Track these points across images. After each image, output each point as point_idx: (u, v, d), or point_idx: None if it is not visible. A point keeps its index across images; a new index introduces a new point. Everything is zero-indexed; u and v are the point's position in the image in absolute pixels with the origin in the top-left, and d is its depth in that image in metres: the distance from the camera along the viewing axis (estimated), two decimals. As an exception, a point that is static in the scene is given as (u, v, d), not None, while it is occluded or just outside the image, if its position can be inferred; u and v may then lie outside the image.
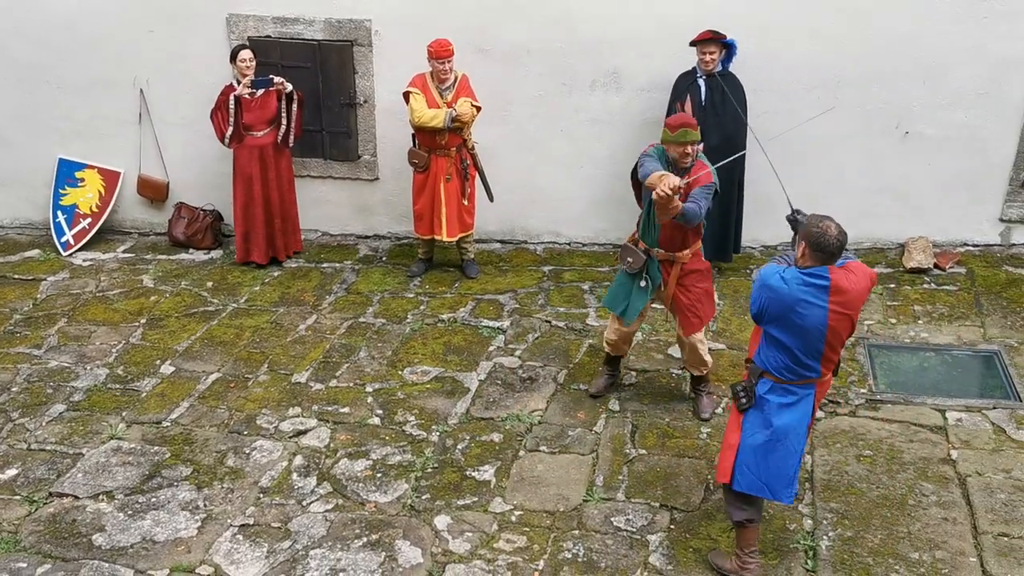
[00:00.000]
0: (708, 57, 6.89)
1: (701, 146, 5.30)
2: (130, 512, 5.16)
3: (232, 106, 7.44)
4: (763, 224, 7.52)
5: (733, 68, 7.08)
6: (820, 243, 4.10)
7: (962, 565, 4.62)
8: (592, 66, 7.47)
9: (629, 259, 5.52)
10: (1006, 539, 4.77)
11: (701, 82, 7.01)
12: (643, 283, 5.52)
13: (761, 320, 4.28)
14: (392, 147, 7.90)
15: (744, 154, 6.39)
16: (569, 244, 8.09)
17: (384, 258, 8.11)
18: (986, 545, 4.74)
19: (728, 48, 6.95)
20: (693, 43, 6.93)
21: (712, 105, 6.95)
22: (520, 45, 7.57)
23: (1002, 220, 7.56)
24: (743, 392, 4.42)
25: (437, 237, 7.49)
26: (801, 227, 4.31)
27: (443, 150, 7.24)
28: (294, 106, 7.64)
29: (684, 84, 7.09)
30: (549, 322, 6.96)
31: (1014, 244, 7.59)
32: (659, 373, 6.28)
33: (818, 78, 7.31)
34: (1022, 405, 5.78)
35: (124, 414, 6.02)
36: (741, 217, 7.39)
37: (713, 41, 6.85)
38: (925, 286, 7.22)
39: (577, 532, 4.94)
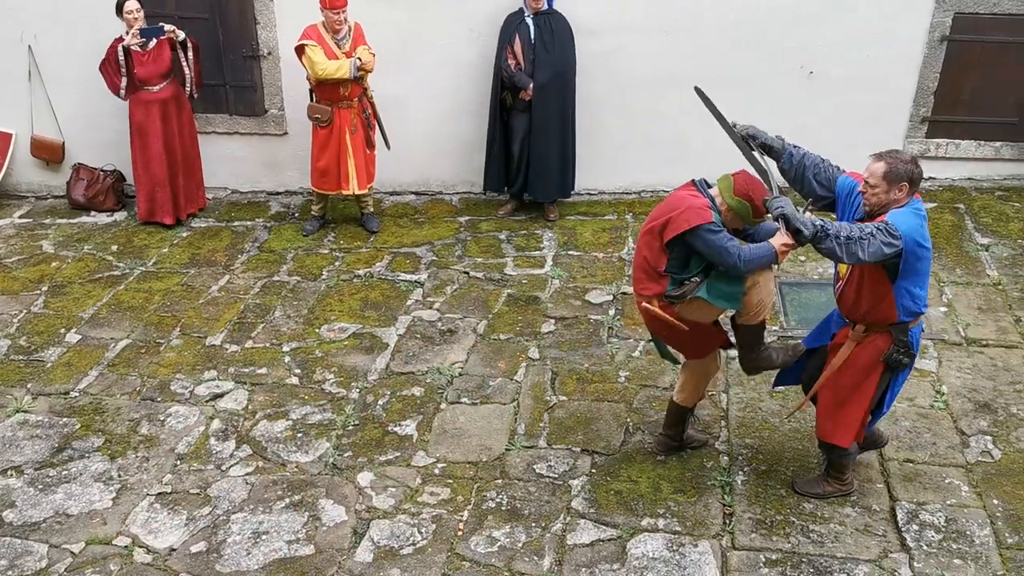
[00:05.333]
0: None
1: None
2: (41, 486, 5.01)
3: (121, 58, 7.13)
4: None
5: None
6: (916, 177, 4.12)
7: (870, 492, 4.81)
8: (501, 12, 7.35)
9: None
10: (911, 464, 4.98)
11: (529, 21, 7.15)
12: None
13: (916, 263, 4.13)
14: (300, 100, 7.65)
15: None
16: (485, 194, 8.02)
17: (296, 214, 7.94)
18: (892, 471, 4.94)
19: None
20: None
21: (542, 43, 7.12)
22: (426, -9, 7.42)
23: (904, 156, 7.76)
24: (905, 353, 4.34)
25: (345, 191, 7.35)
26: (777, 210, 4.10)
27: (346, 101, 7.07)
28: (190, 54, 7.35)
29: (512, 25, 7.20)
30: (467, 273, 6.93)
31: (915, 179, 7.81)
32: (577, 319, 6.33)
33: (727, 20, 7.35)
34: (924, 335, 5.98)
35: (29, 386, 5.81)
36: (574, 157, 7.58)
37: None
38: (832, 223, 7.40)
39: (500, 481, 4.98)
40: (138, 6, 7.14)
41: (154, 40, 7.19)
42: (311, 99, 7.16)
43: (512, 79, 7.24)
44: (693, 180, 4.53)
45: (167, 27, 7.19)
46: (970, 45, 7.31)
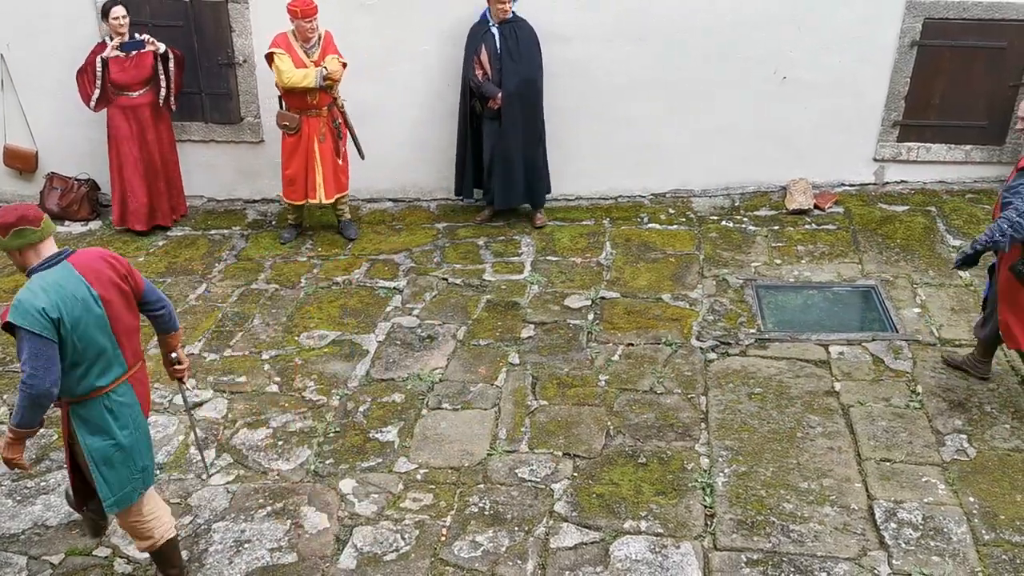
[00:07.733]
0: (506, 5, 7.05)
1: None
2: (19, 498, 4.96)
3: (99, 69, 7.09)
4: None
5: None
6: None
7: (848, 491, 4.87)
8: (476, 18, 7.37)
9: None
10: (888, 464, 5.04)
11: (495, 30, 7.15)
12: None
13: None
14: (276, 108, 7.66)
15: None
16: (462, 200, 8.04)
17: (274, 222, 7.92)
18: (869, 471, 5.00)
19: None
20: None
21: (508, 52, 7.14)
22: (403, -2, 7.43)
23: (876, 160, 7.86)
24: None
25: (312, 200, 7.33)
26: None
27: (315, 110, 7.06)
28: (171, 65, 7.32)
29: (479, 34, 7.21)
30: (446, 279, 6.94)
31: (887, 182, 7.92)
32: (556, 324, 6.35)
33: (700, 26, 7.41)
34: (899, 336, 6.08)
35: (5, 397, 5.76)
36: (547, 162, 7.61)
37: None
38: (806, 226, 7.48)
39: (483, 486, 4.99)
40: (124, 12, 7.10)
41: (135, 52, 7.15)
42: (280, 107, 7.15)
43: (480, 89, 7.23)
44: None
45: (147, 40, 7.16)
46: (940, 50, 7.43)
